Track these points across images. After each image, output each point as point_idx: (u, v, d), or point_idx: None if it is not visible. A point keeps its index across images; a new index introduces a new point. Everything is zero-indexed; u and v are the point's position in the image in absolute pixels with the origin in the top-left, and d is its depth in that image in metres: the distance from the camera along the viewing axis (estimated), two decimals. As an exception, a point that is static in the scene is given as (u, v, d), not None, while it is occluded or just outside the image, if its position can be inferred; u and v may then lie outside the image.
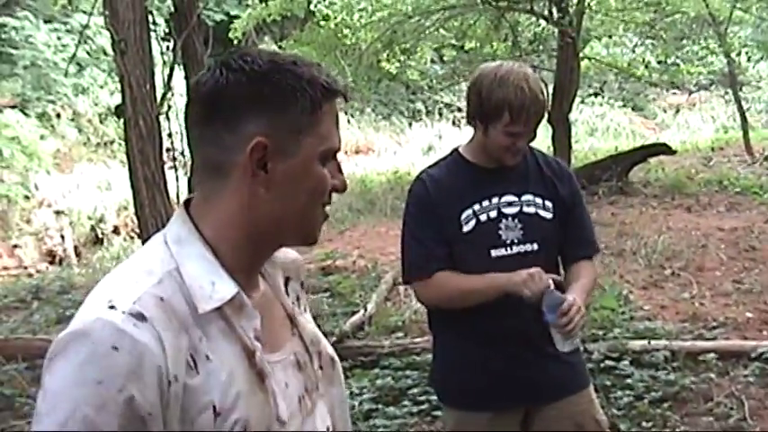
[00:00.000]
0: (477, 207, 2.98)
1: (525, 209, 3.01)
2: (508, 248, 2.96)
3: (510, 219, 2.98)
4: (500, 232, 2.97)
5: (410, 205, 3.12)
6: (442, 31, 15.69)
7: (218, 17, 20.57)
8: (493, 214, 2.98)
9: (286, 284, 1.64)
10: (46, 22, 19.67)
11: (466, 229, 2.97)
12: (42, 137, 18.45)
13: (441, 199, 3.02)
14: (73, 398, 1.25)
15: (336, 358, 1.68)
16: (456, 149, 3.17)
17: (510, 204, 3.00)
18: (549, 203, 3.04)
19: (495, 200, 2.99)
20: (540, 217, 3.02)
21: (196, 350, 1.35)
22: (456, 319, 3.05)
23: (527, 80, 2.88)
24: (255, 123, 1.40)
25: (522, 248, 2.97)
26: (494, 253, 2.96)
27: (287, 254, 1.65)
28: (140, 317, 1.30)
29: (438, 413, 5.35)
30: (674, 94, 27.98)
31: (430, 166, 3.19)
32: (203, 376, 1.34)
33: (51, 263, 16.39)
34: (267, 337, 1.47)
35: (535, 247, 2.98)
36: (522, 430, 3.14)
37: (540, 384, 3.03)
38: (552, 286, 2.87)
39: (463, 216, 2.98)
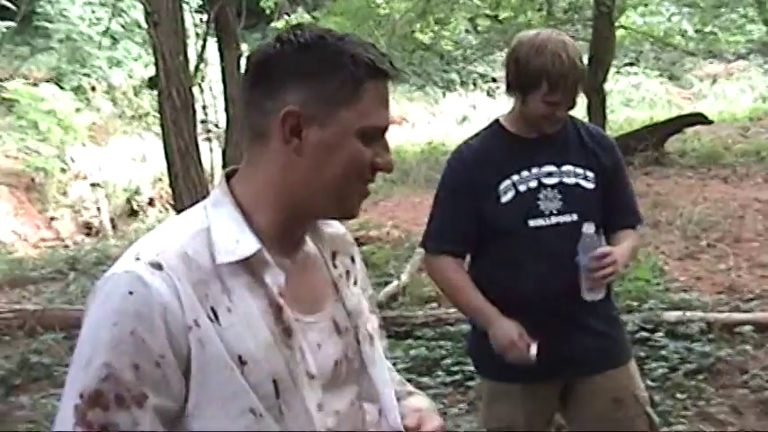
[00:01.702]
0: (516, 177, 2.95)
1: (565, 179, 2.97)
2: (546, 219, 2.93)
3: (549, 189, 2.95)
4: (539, 202, 2.94)
5: (444, 177, 3.11)
6: (475, 0, 15.58)
7: (252, -12, 20.54)
8: (533, 184, 2.95)
9: (333, 257, 1.67)
10: (80, -5, 19.76)
11: (504, 199, 2.95)
12: (78, 110, 18.56)
13: (479, 170, 2.99)
14: (94, 340, 1.36)
15: (376, 336, 1.70)
16: (497, 120, 3.14)
17: (550, 175, 2.97)
18: (590, 174, 3.00)
19: (534, 170, 2.96)
20: (582, 187, 2.99)
21: (217, 302, 1.41)
22: (490, 291, 3.02)
23: (565, 48, 2.85)
24: (294, 92, 1.45)
25: (560, 219, 2.94)
26: (531, 223, 2.94)
27: (335, 228, 1.70)
28: (157, 266, 1.38)
29: (471, 383, 5.37)
30: (711, 63, 27.59)
31: (470, 138, 3.17)
32: (226, 327, 1.40)
33: (88, 234, 16.55)
34: (305, 296, 1.54)
35: (574, 217, 2.94)
36: (560, 402, 3.13)
37: (575, 358, 3.00)
38: (593, 229, 2.86)
39: (502, 186, 2.95)
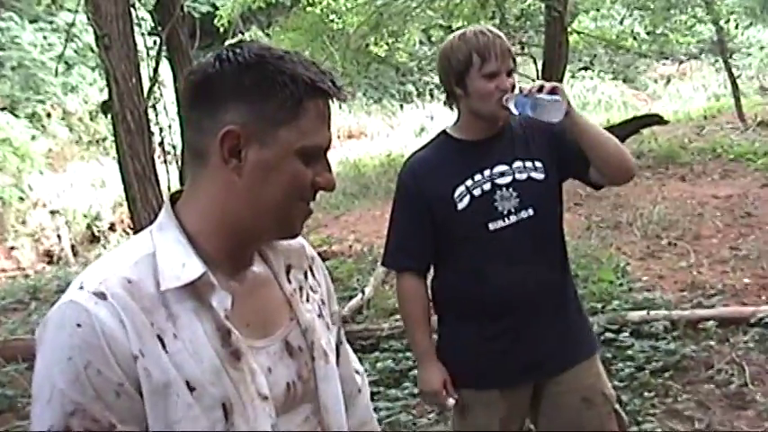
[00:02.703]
0: (469, 183, 2.95)
1: (518, 176, 2.97)
2: (505, 219, 2.94)
3: (504, 189, 2.95)
4: (495, 204, 2.94)
5: (396, 192, 3.13)
6: (428, 11, 15.64)
7: (204, 9, 20.50)
8: (487, 187, 2.95)
9: (288, 272, 1.66)
10: (31, 21, 19.59)
11: (461, 206, 2.95)
12: (33, 137, 18.41)
13: (430, 181, 3.00)
14: (51, 376, 1.35)
15: (332, 355, 1.68)
16: (443, 131, 3.15)
17: (503, 174, 2.97)
18: (538, 163, 3.00)
19: (486, 172, 2.96)
20: (534, 180, 2.99)
21: (161, 329, 1.40)
22: (456, 300, 3.05)
23: (486, 28, 2.96)
24: (233, 112, 1.44)
25: (518, 216, 2.95)
26: (491, 226, 2.94)
27: (290, 242, 1.68)
28: (101, 295, 1.37)
29: (440, 393, 5.36)
30: (664, 64, 27.94)
31: (417, 150, 3.18)
32: (172, 353, 1.39)
33: (49, 263, 16.39)
34: (254, 320, 1.52)
35: (531, 212, 2.95)
36: (532, 406, 3.13)
37: (545, 357, 3.02)
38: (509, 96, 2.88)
39: (456, 194, 2.95)
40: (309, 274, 1.73)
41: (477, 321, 3.01)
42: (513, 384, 3.05)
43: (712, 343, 5.75)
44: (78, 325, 1.34)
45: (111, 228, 17.70)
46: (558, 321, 3.02)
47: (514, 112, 2.86)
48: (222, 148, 1.43)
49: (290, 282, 1.65)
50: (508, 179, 2.97)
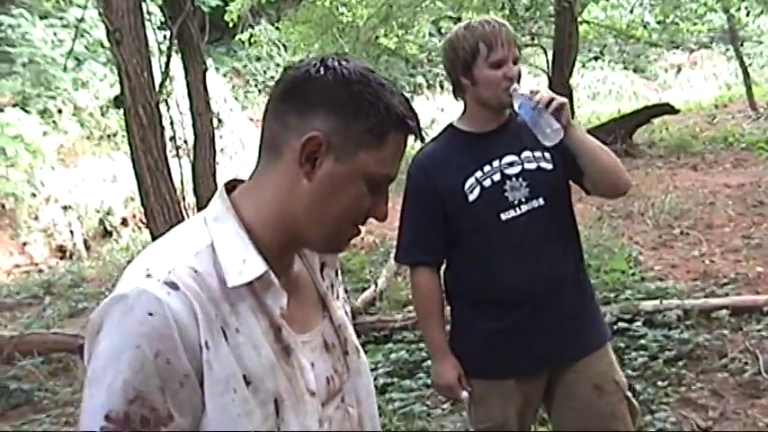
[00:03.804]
0: (479, 174, 2.96)
1: (527, 165, 2.98)
2: (516, 209, 2.95)
3: (514, 178, 2.96)
4: (506, 194, 2.95)
5: (407, 188, 3.11)
6: (438, 3, 15.64)
7: (214, 3, 20.50)
8: (496, 177, 2.96)
9: (321, 270, 1.69)
10: (41, 18, 19.60)
11: (471, 197, 2.95)
12: (45, 133, 18.44)
13: (440, 174, 3.01)
14: (116, 362, 1.34)
15: (361, 350, 1.72)
16: (450, 124, 3.17)
17: (511, 164, 2.98)
18: (546, 154, 3.01)
19: (495, 163, 2.97)
20: (543, 170, 3.00)
21: (226, 322, 1.41)
22: (469, 291, 3.06)
23: (490, 18, 2.97)
24: (322, 119, 1.45)
25: (530, 206, 2.95)
26: (503, 216, 2.94)
27: None
28: (173, 285, 1.37)
29: (453, 384, 5.37)
30: (675, 53, 27.84)
31: (425, 144, 3.17)
32: (233, 347, 1.41)
33: (62, 258, 16.45)
34: (297, 317, 1.54)
35: (542, 201, 2.96)
36: (546, 394, 3.14)
37: (557, 347, 3.03)
38: (520, 88, 2.89)
39: (467, 185, 2.96)
40: (338, 272, 1.77)
41: (490, 312, 3.01)
42: (527, 374, 3.06)
43: (725, 332, 5.74)
44: (150, 314, 1.34)
45: (124, 222, 17.77)
46: (572, 311, 3.02)
47: (515, 109, 2.88)
48: (303, 150, 1.45)
49: (323, 279, 1.68)
50: (517, 169, 2.98)
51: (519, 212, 2.95)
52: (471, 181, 2.96)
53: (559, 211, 3.06)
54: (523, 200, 2.96)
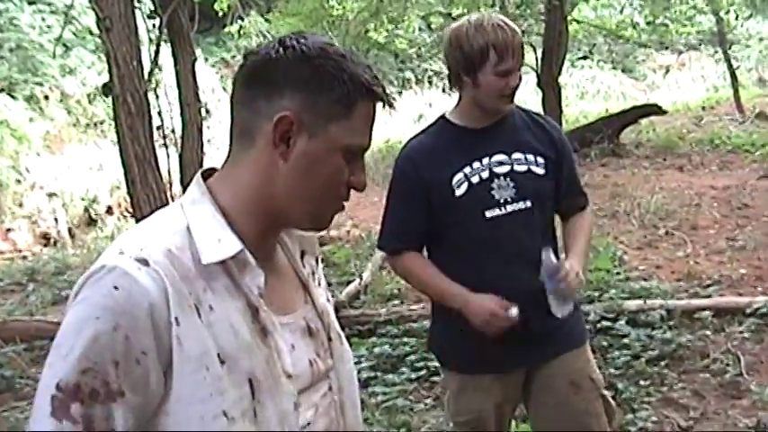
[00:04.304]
0: (467, 170, 2.97)
1: (516, 167, 3.00)
2: (502, 208, 2.96)
3: (502, 178, 2.97)
4: (493, 192, 2.96)
5: (394, 177, 3.12)
6: (428, -2, 15.62)
7: (204, -8, 20.44)
8: (485, 175, 2.97)
9: (302, 257, 1.70)
10: (29, 3, 19.50)
11: (458, 192, 2.96)
12: (31, 119, 18.35)
13: (429, 166, 3.01)
14: (76, 332, 1.34)
15: (344, 337, 1.73)
16: (442, 116, 3.16)
17: (501, 164, 2.99)
18: (540, 159, 3.04)
19: (485, 160, 2.98)
20: (533, 173, 3.02)
21: (199, 299, 1.41)
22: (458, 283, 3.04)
23: (502, 20, 2.94)
24: (290, 99, 1.47)
25: (515, 206, 2.96)
26: (488, 214, 2.95)
27: None
28: (144, 261, 1.37)
29: (436, 379, 5.39)
30: (663, 54, 27.87)
31: (416, 135, 3.18)
32: (206, 325, 1.40)
33: (46, 245, 16.36)
34: (277, 300, 1.54)
35: (528, 204, 2.98)
36: (524, 389, 3.15)
37: (537, 344, 3.04)
38: (552, 254, 2.90)
39: (454, 180, 2.97)
40: (318, 260, 1.77)
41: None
42: (506, 369, 3.08)
43: (708, 332, 5.78)
44: (116, 288, 1.34)
45: (109, 211, 17.68)
46: (551, 315, 3.02)
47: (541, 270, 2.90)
48: (275, 131, 1.46)
49: (304, 266, 1.69)
50: (506, 169, 2.99)
51: (503, 212, 2.96)
52: (459, 176, 2.97)
53: (544, 216, 3.08)
54: (509, 200, 2.97)
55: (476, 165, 2.97)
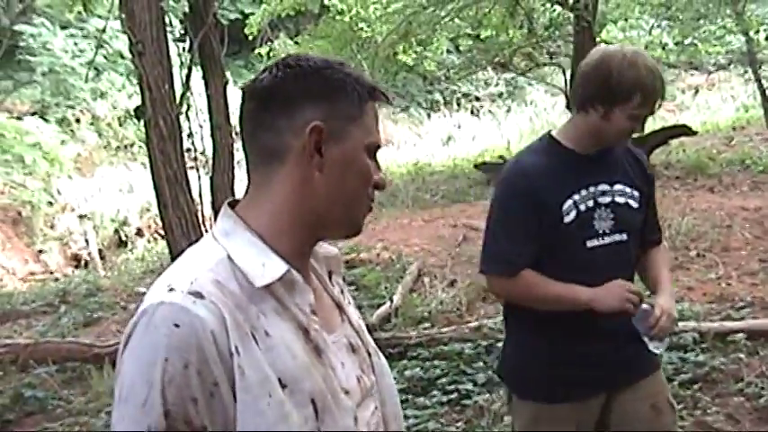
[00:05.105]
0: (577, 197, 2.92)
1: (617, 198, 2.97)
2: (601, 239, 2.93)
3: (603, 208, 2.94)
4: (594, 222, 2.92)
5: (503, 193, 3.01)
6: (457, 20, 15.67)
7: (233, 16, 20.61)
8: (590, 204, 2.93)
9: (330, 277, 1.72)
10: (62, 28, 19.77)
11: (567, 219, 2.90)
12: (63, 142, 18.57)
13: (542, 187, 2.92)
14: (148, 377, 1.33)
15: (379, 351, 1.74)
16: (549, 135, 3.08)
17: (604, 194, 2.95)
18: (636, 193, 3.01)
19: (591, 189, 2.94)
20: (630, 207, 2.99)
21: (254, 326, 1.41)
22: (536, 312, 2.98)
23: (654, 64, 2.88)
24: (311, 110, 1.50)
25: (613, 239, 2.94)
26: (588, 243, 2.92)
27: (328, 249, 1.73)
28: (198, 294, 1.37)
29: (467, 402, 5.37)
30: (693, 74, 27.79)
31: (523, 153, 3.09)
32: (264, 351, 1.40)
33: (77, 267, 16.51)
34: (321, 318, 1.54)
35: (624, 237, 2.96)
36: (602, 418, 3.09)
37: (619, 369, 3.02)
38: (649, 307, 2.91)
39: (565, 206, 2.91)
40: (344, 279, 1.80)
41: (554, 337, 2.98)
42: (587, 396, 3.03)
43: (742, 355, 5.71)
44: (176, 325, 1.33)
45: (139, 233, 17.82)
46: (628, 339, 2.97)
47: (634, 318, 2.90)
48: (310, 142, 1.48)
49: (333, 286, 1.71)
50: (608, 199, 2.96)
51: (601, 242, 2.93)
52: (569, 203, 2.91)
53: (635, 249, 3.05)
54: (608, 231, 2.94)
55: (583, 192, 2.93)
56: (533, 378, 3.04)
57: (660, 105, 2.91)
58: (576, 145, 2.98)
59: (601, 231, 2.93)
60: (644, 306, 2.89)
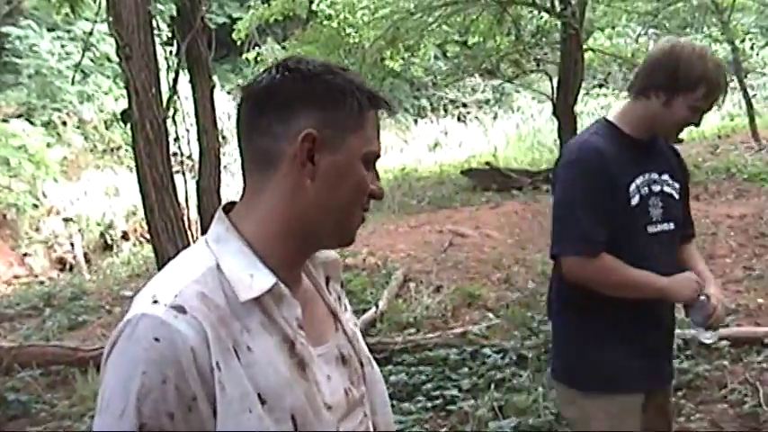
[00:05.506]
0: (639, 181, 2.94)
1: (665, 188, 3.00)
2: (654, 226, 2.95)
3: (655, 196, 2.96)
4: (649, 209, 2.95)
5: (578, 173, 2.94)
6: (444, 27, 15.69)
7: (221, 20, 20.60)
8: (646, 190, 2.95)
9: (327, 283, 1.70)
10: (49, 30, 19.71)
11: (633, 202, 2.92)
12: (49, 145, 18.51)
13: (613, 167, 2.91)
14: (125, 389, 1.33)
15: (373, 360, 1.73)
16: (605, 120, 3.08)
17: (655, 182, 2.98)
18: (677, 184, 3.05)
19: (647, 175, 2.96)
20: (674, 197, 3.03)
21: (236, 341, 1.40)
22: (609, 301, 2.93)
23: (721, 61, 2.95)
24: (306, 117, 1.47)
25: (663, 227, 2.97)
26: (649, 229, 2.95)
27: (327, 254, 1.71)
28: (180, 309, 1.36)
29: (452, 407, 5.38)
30: (679, 83, 27.89)
31: (585, 136, 3.06)
32: (246, 366, 1.39)
33: (62, 270, 16.45)
34: (311, 330, 1.53)
35: (672, 226, 2.99)
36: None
37: (669, 367, 3.16)
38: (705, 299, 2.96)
39: (631, 189, 2.92)
40: (343, 284, 1.77)
41: (625, 325, 2.98)
42: (655, 387, 3.09)
43: (726, 363, 5.74)
44: (156, 339, 1.33)
45: (124, 236, 17.77)
46: (672, 337, 3.13)
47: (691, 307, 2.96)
48: (302, 150, 1.46)
49: (330, 293, 1.69)
50: (658, 188, 2.99)
51: (656, 230, 2.97)
52: (633, 186, 2.93)
53: (678, 241, 3.08)
54: (659, 219, 2.97)
55: (641, 178, 2.95)
56: (615, 369, 2.99)
57: (720, 105, 2.97)
58: (632, 130, 2.99)
59: (654, 219, 2.95)
60: (701, 297, 2.93)
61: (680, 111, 2.87)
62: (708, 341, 2.99)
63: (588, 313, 3.00)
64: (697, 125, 2.97)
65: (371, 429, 1.65)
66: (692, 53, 2.86)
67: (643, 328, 2.97)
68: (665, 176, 3.01)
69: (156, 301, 1.38)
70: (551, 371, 3.27)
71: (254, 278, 1.44)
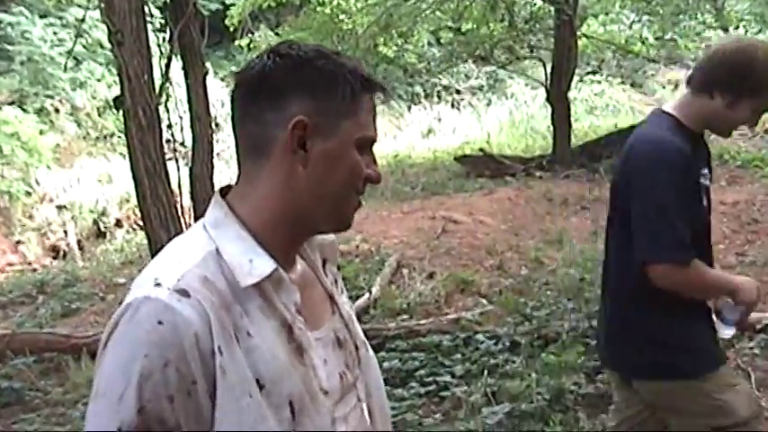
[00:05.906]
0: (702, 179, 2.95)
1: (709, 183, 3.03)
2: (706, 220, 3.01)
3: (706, 191, 2.99)
4: (706, 205, 2.99)
5: (668, 174, 2.85)
6: (438, 13, 15.69)
7: (213, 6, 20.51)
8: (705, 186, 2.98)
9: (324, 266, 1.70)
10: (41, 17, 19.60)
11: (705, 201, 2.97)
12: (41, 132, 18.41)
13: (693, 171, 2.90)
14: (126, 372, 1.32)
15: (368, 343, 1.74)
16: (667, 114, 3.02)
17: (705, 177, 2.99)
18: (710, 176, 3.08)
19: (703, 170, 2.98)
20: (710, 189, 3.04)
21: (237, 326, 1.40)
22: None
23: None
24: (298, 104, 1.48)
25: (707, 220, 3.03)
26: (708, 226, 3.01)
27: (324, 236, 1.71)
28: (184, 293, 1.36)
29: (445, 393, 5.39)
30: (672, 69, 27.88)
31: (659, 132, 2.97)
32: (246, 351, 1.40)
33: (55, 257, 16.40)
34: (308, 315, 1.54)
35: (711, 219, 3.04)
36: None
37: None
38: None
39: (701, 188, 2.95)
40: (339, 267, 1.78)
41: (703, 311, 3.06)
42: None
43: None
44: (159, 322, 1.33)
45: (118, 224, 17.72)
46: None
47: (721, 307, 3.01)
48: (291, 137, 1.46)
49: (327, 275, 1.69)
50: (707, 183, 3.00)
51: (706, 224, 3.01)
52: (701, 184, 2.94)
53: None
54: (707, 213, 3.02)
55: (703, 176, 2.96)
56: (712, 348, 3.07)
57: None
58: (691, 123, 2.97)
59: (706, 213, 3.00)
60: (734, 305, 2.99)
61: (742, 113, 2.87)
62: (727, 336, 3.04)
63: (677, 307, 2.96)
64: (753, 126, 2.97)
65: (363, 413, 1.65)
66: (766, 57, 2.82)
67: (708, 313, 3.05)
68: (706, 170, 3.01)
69: (158, 284, 1.38)
70: (633, 370, 3.16)
71: (253, 263, 1.45)
